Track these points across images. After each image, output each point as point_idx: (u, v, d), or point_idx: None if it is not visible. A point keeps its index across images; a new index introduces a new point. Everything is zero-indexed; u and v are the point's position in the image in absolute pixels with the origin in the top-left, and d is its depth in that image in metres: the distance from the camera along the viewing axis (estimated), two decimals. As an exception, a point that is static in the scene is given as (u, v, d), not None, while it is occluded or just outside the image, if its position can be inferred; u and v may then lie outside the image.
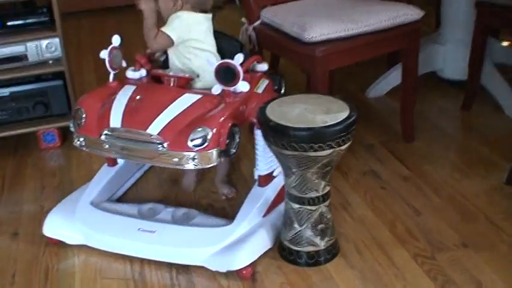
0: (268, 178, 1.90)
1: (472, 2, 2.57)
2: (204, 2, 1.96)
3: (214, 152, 1.66)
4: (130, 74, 1.94)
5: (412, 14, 2.18)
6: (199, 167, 1.68)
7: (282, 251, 1.80)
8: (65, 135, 2.51)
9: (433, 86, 2.85)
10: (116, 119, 1.73)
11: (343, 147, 1.63)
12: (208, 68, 1.82)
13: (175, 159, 1.67)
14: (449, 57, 2.79)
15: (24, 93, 2.36)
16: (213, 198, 2.12)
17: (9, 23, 2.29)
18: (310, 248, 1.76)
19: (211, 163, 1.68)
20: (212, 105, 1.75)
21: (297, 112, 1.65)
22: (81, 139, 1.78)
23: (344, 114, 1.64)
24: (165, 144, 1.66)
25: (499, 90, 2.63)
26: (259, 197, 1.87)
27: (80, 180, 2.18)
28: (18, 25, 2.31)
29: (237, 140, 1.72)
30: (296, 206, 1.73)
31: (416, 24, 2.21)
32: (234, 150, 1.72)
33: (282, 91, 2.06)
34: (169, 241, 1.77)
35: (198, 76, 1.92)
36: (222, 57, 1.92)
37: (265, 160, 1.87)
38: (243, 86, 1.76)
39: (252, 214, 1.81)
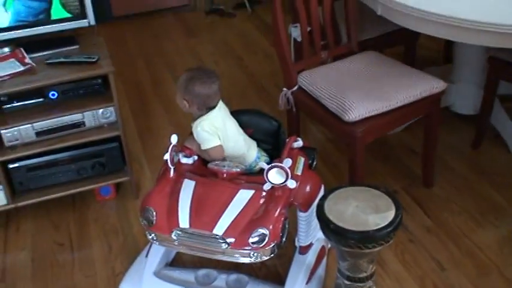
0: (308, 247, 2.21)
1: (483, 48, 2.83)
2: (208, 101, 2.10)
3: (271, 247, 1.92)
4: (185, 160, 2.12)
5: (437, 87, 2.44)
6: (259, 261, 1.93)
7: (334, 315, 2.12)
8: (119, 186, 2.76)
9: (444, 120, 3.11)
10: (183, 220, 1.94)
11: (391, 242, 1.92)
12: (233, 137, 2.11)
13: (237, 255, 1.92)
14: (460, 95, 3.05)
15: (82, 156, 2.58)
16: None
17: (67, 95, 2.49)
18: (359, 315, 2.08)
19: (269, 256, 1.93)
20: (266, 200, 1.97)
21: (351, 212, 1.93)
22: (153, 235, 2.00)
23: (391, 213, 1.92)
24: (229, 243, 1.91)
25: (506, 130, 2.91)
26: (302, 265, 2.16)
27: (142, 237, 2.45)
28: (75, 96, 2.50)
29: (287, 229, 1.97)
30: (348, 282, 2.03)
31: (440, 93, 2.47)
32: (284, 240, 1.96)
33: (314, 163, 2.28)
34: None
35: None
36: (261, 137, 2.21)
37: (307, 234, 2.16)
38: (291, 184, 1.95)
39: (298, 283, 2.11)
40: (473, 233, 2.48)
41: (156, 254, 2.25)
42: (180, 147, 2.13)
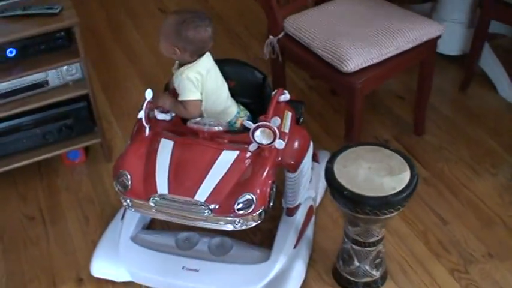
0: (296, 208, 2.06)
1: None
2: (202, 47, 1.89)
3: (258, 213, 1.75)
4: (162, 116, 1.92)
5: (435, 31, 2.27)
6: (245, 227, 1.77)
7: (341, 279, 2.01)
8: (88, 149, 2.52)
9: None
10: (162, 185, 1.77)
11: (406, 205, 1.79)
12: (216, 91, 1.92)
13: (222, 222, 1.76)
14: (447, 35, 2.87)
15: (47, 119, 2.32)
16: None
17: (27, 52, 2.20)
18: (368, 279, 1.98)
19: (256, 222, 1.77)
20: (251, 162, 1.79)
21: (364, 175, 1.78)
22: (128, 201, 1.82)
23: (407, 174, 1.78)
24: (212, 209, 1.74)
25: (494, 72, 2.80)
26: (290, 227, 2.02)
27: (120, 205, 2.22)
28: (36, 52, 2.22)
29: (274, 193, 1.80)
30: (357, 247, 1.91)
31: (437, 38, 2.30)
32: (271, 204, 1.80)
33: (302, 118, 2.07)
34: (213, 281, 1.91)
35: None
36: (245, 89, 2.02)
37: (295, 195, 2.01)
38: (279, 144, 1.77)
39: (286, 247, 1.97)
40: (471, 182, 2.39)
41: (132, 217, 2.08)
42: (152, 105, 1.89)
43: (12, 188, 2.42)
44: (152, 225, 2.19)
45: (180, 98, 1.89)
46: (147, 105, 1.84)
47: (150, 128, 1.87)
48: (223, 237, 2.03)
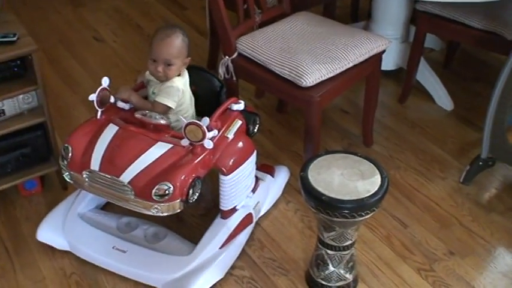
0: (231, 211, 2.14)
1: (403, 1, 2.86)
2: None
3: (175, 203, 1.86)
4: (121, 104, 2.07)
5: (382, 44, 2.40)
6: (161, 214, 1.88)
7: (315, 286, 2.06)
8: (44, 178, 2.47)
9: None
10: (95, 162, 1.91)
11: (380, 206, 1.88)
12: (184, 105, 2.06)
13: (141, 206, 1.88)
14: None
15: (4, 149, 2.26)
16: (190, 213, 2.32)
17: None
18: (341, 283, 2.04)
19: (173, 212, 1.88)
20: (180, 156, 1.90)
21: (338, 180, 1.86)
22: (67, 173, 1.97)
23: (378, 177, 1.88)
24: (134, 192, 1.86)
25: (431, 83, 2.98)
26: (220, 229, 2.11)
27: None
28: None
29: (198, 190, 1.91)
30: (331, 252, 1.97)
31: (382, 52, 2.44)
32: (194, 198, 1.91)
33: (256, 130, 2.21)
34: (136, 264, 2.04)
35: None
36: (201, 95, 2.15)
37: (229, 198, 2.10)
38: (207, 144, 1.90)
39: (210, 246, 2.06)
40: (423, 187, 2.52)
41: (85, 195, 2.20)
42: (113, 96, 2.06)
43: (-32, 224, 2.32)
44: (106, 208, 2.28)
45: (156, 98, 2.02)
46: (100, 90, 1.99)
47: (102, 112, 2.03)
48: (160, 227, 2.15)
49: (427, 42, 2.96)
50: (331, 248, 1.96)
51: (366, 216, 1.83)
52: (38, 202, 2.41)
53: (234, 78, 2.44)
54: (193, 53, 3.33)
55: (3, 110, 2.21)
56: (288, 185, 2.48)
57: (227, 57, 2.40)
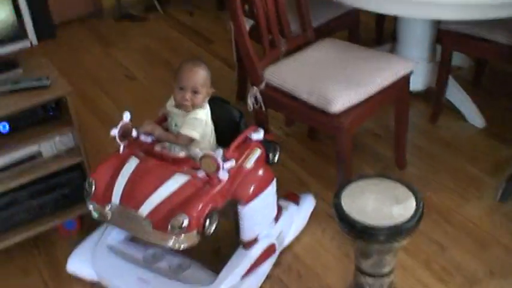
0: (252, 242, 2.14)
1: (427, 22, 2.86)
2: None
3: (192, 235, 1.87)
4: (143, 138, 2.12)
5: (407, 67, 2.41)
6: (178, 246, 1.88)
7: (356, 314, 2.04)
8: (83, 217, 2.51)
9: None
10: (116, 195, 1.96)
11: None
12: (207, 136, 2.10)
13: (159, 238, 1.90)
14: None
15: (43, 190, 2.32)
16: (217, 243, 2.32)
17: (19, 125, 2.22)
18: (382, 309, 2.02)
19: (191, 244, 1.89)
20: (197, 188, 1.92)
21: (372, 206, 1.85)
22: (91, 206, 2.01)
23: (412, 201, 1.87)
24: (152, 224, 1.89)
25: (461, 101, 2.97)
26: (242, 259, 2.12)
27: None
28: (29, 125, 2.23)
29: (216, 221, 1.92)
30: (370, 280, 1.96)
31: (409, 74, 2.44)
32: (212, 230, 1.91)
33: (276, 159, 2.21)
34: None
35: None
36: (221, 126, 2.17)
37: (250, 227, 2.10)
38: (223, 175, 1.93)
39: (231, 277, 2.07)
40: (460, 207, 2.49)
41: (113, 226, 2.21)
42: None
43: (10, 264, 2.38)
44: (134, 239, 2.27)
45: (181, 130, 2.05)
46: (121, 125, 2.05)
47: (125, 146, 2.08)
48: (185, 257, 2.16)
49: (455, 60, 2.96)
50: (370, 275, 1.94)
51: (403, 242, 1.82)
52: (78, 241, 2.44)
53: (263, 108, 2.47)
54: (221, 85, 3.39)
55: (40, 152, 2.27)
56: (323, 212, 2.48)
57: (255, 88, 2.43)
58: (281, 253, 2.31)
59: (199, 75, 2.07)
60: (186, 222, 1.84)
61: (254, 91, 2.45)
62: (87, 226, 2.51)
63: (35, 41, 2.25)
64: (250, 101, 2.47)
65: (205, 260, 2.19)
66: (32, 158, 2.26)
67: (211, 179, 1.93)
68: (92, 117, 3.27)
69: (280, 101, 2.40)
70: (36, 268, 2.36)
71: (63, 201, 2.36)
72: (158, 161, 2.01)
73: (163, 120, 2.20)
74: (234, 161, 1.99)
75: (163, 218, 1.88)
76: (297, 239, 2.39)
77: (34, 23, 2.19)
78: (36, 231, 2.33)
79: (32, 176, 2.26)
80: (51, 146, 2.29)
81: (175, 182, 1.94)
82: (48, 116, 2.28)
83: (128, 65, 3.81)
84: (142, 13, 4.43)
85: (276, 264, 2.27)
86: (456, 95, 2.97)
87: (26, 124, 2.24)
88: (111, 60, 3.89)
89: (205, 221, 1.87)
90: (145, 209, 1.90)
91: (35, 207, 2.32)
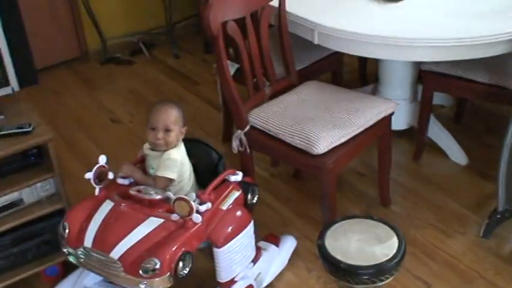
0: (229, 283, 2.13)
1: (408, 63, 2.91)
2: None
3: (164, 279, 1.87)
4: (121, 181, 2.14)
5: (390, 107, 2.44)
6: None
7: None
8: (66, 263, 2.48)
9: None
10: (89, 239, 1.98)
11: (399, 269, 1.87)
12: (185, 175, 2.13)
13: (131, 282, 1.90)
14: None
15: (25, 236, 2.30)
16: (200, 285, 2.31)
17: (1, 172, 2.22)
18: None
19: (162, 287, 1.88)
20: (170, 231, 1.94)
21: (356, 246, 1.86)
22: (65, 250, 2.03)
23: (394, 240, 1.88)
24: (122, 269, 1.89)
25: (443, 140, 3.00)
26: None
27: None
28: (10, 172, 2.23)
29: (190, 264, 1.93)
30: (356, 319, 1.95)
31: (391, 114, 2.48)
32: (185, 273, 1.92)
33: (254, 200, 2.24)
34: None
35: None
36: (201, 167, 2.21)
37: (226, 269, 2.10)
38: (196, 218, 1.93)
39: None
40: (444, 244, 2.50)
41: None
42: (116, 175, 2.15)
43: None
44: None
45: (157, 173, 2.08)
46: (97, 168, 2.08)
47: (100, 188, 2.10)
48: None
49: (437, 99, 3.00)
50: (356, 314, 1.94)
51: (386, 281, 1.83)
52: None
53: (248, 151, 2.48)
54: (207, 127, 3.44)
55: (21, 199, 2.26)
56: (308, 252, 2.48)
57: (239, 130, 2.45)
58: (267, 293, 2.30)
59: (170, 114, 2.10)
60: (157, 266, 1.85)
61: (238, 133, 2.46)
62: (71, 271, 2.48)
63: (16, 87, 2.26)
64: (235, 144, 2.48)
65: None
66: (13, 204, 2.25)
67: (185, 221, 1.94)
68: (75, 162, 3.26)
69: (265, 143, 2.42)
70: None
71: (45, 247, 2.34)
72: (133, 204, 2.03)
73: (142, 161, 2.21)
74: (210, 204, 2.01)
75: (134, 261, 1.88)
76: (283, 279, 2.38)
77: (16, 70, 2.20)
78: (18, 278, 2.30)
79: (13, 223, 2.24)
80: (32, 192, 2.27)
81: (148, 226, 1.96)
82: (30, 163, 2.27)
83: (112, 108, 3.82)
84: (128, 56, 4.46)
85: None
86: (438, 133, 3.00)
87: (7, 171, 2.23)
88: (95, 103, 3.90)
89: (177, 264, 1.87)
90: (116, 252, 1.91)
91: (16, 254, 2.29)
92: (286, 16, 2.59)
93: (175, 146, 2.12)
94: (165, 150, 2.12)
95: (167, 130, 2.08)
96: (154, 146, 2.12)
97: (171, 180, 2.09)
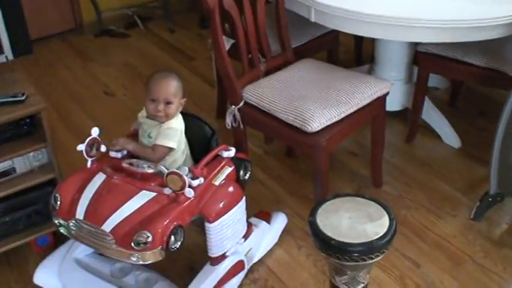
0: (220, 258, 2.14)
1: (404, 44, 2.90)
2: None
3: (155, 252, 1.87)
4: (113, 154, 2.13)
5: (385, 87, 2.44)
6: (142, 263, 1.90)
7: (329, 332, 2.04)
8: (56, 233, 2.48)
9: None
10: (81, 211, 1.96)
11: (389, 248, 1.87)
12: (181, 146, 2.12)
13: (121, 254, 1.90)
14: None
15: (16, 206, 2.30)
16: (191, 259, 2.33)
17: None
18: (356, 327, 2.02)
19: (155, 260, 1.89)
20: (163, 205, 1.93)
21: (346, 224, 1.86)
22: (57, 221, 2.02)
23: (386, 219, 1.88)
24: (115, 240, 1.89)
25: (437, 122, 3.00)
26: (208, 276, 2.12)
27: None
28: (2, 141, 2.22)
29: (181, 238, 1.93)
30: (344, 297, 1.96)
31: (386, 94, 2.47)
32: (177, 247, 1.92)
33: (247, 177, 2.23)
34: None
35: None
36: (194, 142, 2.19)
37: (217, 244, 2.11)
38: (188, 193, 1.92)
39: None
40: (434, 226, 2.51)
41: None
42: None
43: (-19, 283, 2.34)
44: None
45: (157, 141, 2.06)
46: (89, 140, 2.05)
47: (93, 161, 2.08)
48: (153, 272, 2.15)
49: (432, 81, 3.00)
50: (344, 292, 1.95)
51: (376, 259, 1.83)
52: (50, 257, 2.42)
53: (242, 127, 2.48)
54: (202, 102, 3.43)
55: (14, 168, 2.25)
56: (299, 229, 2.49)
57: (233, 106, 2.44)
58: (257, 270, 2.32)
59: (171, 86, 2.07)
60: (149, 239, 1.85)
61: (232, 109, 2.45)
62: (62, 242, 2.48)
63: (10, 56, 2.24)
64: (228, 119, 2.48)
65: (177, 276, 2.19)
66: (5, 173, 2.24)
67: (177, 196, 1.94)
68: (67, 133, 3.24)
69: (258, 119, 2.41)
70: (7, 284, 2.32)
71: (36, 217, 2.34)
72: (126, 177, 2.02)
73: (134, 134, 2.20)
74: (203, 179, 2.00)
75: (126, 234, 1.88)
76: (274, 255, 2.39)
77: (10, 39, 2.17)
78: (9, 247, 2.30)
79: (5, 192, 2.23)
80: (24, 161, 2.27)
81: (140, 199, 1.95)
82: (23, 132, 2.26)
83: (106, 81, 3.80)
84: (123, 29, 4.43)
85: (253, 281, 2.27)
86: (432, 115, 3.00)
87: (0, 139, 2.21)
88: (89, 76, 3.88)
89: (169, 238, 1.87)
90: (108, 225, 1.91)
91: (8, 223, 2.29)
92: (284, -8, 2.56)
93: (174, 116, 2.11)
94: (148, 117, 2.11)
95: (168, 102, 2.06)
96: (154, 118, 2.10)
97: (170, 149, 2.07)
